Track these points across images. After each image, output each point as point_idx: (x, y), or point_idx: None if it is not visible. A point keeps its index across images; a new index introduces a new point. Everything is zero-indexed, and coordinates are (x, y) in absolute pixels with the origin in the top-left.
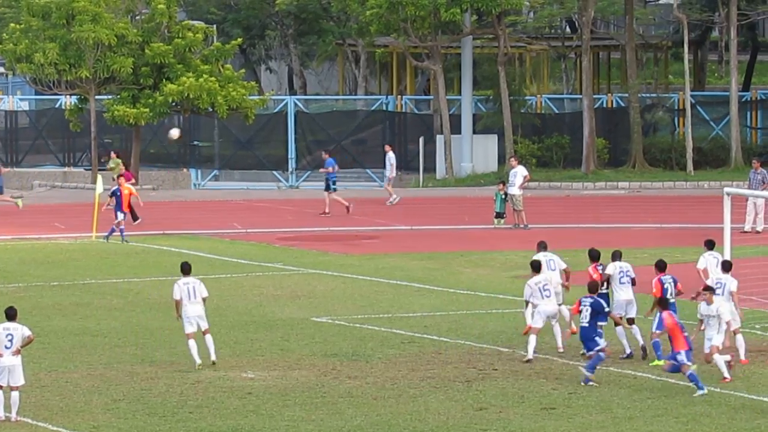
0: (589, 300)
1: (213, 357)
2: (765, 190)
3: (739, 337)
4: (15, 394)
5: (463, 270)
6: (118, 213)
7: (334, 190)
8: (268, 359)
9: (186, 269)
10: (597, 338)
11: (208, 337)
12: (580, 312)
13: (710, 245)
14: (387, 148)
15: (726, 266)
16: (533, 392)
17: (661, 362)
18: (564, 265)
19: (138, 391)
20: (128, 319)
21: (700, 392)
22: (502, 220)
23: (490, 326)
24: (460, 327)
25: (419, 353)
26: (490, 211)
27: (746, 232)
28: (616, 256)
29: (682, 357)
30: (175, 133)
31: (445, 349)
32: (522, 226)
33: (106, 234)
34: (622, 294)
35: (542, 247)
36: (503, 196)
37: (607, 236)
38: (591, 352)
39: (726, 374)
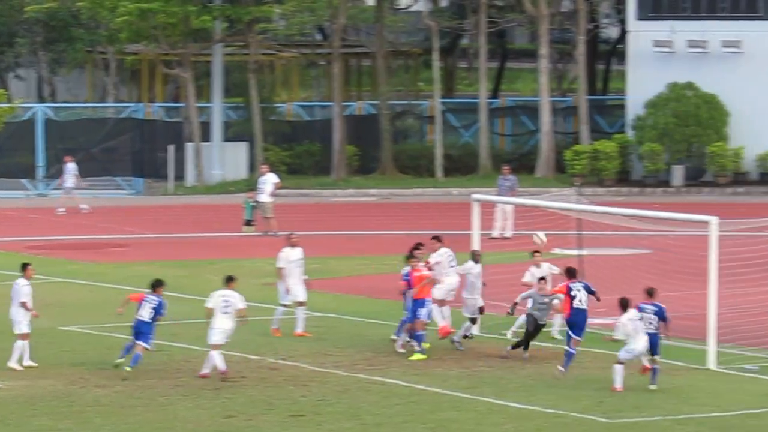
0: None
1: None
2: (514, 196)
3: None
4: None
5: (212, 278)
6: None
7: None
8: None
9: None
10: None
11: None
12: None
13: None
14: (67, 158)
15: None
16: (282, 399)
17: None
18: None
19: None
20: None
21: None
22: (252, 228)
23: (240, 334)
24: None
25: (168, 361)
26: (239, 218)
27: (495, 238)
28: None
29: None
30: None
31: (194, 357)
32: (271, 233)
33: None
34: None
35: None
36: (253, 204)
37: (357, 243)
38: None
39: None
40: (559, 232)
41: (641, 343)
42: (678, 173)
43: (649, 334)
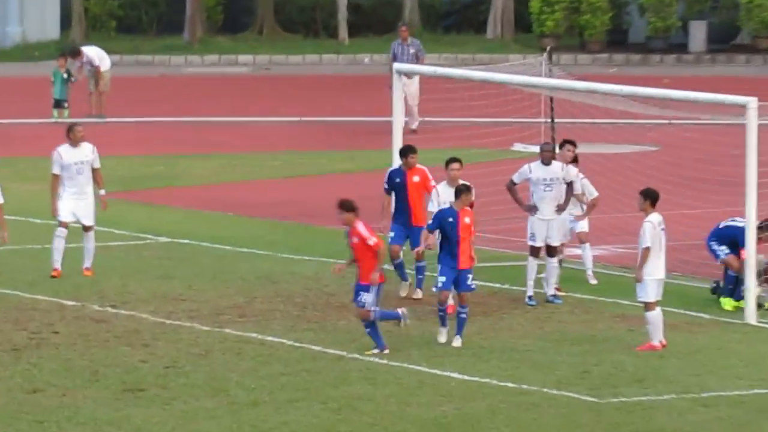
0: None
1: None
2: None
3: None
4: None
5: (8, 185)
6: None
7: None
8: None
9: None
10: None
11: None
12: None
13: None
14: None
15: None
16: (112, 366)
17: None
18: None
19: None
20: None
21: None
22: (66, 111)
23: (46, 267)
24: (3, 268)
25: None
26: (47, 97)
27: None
28: None
29: None
30: None
31: None
32: (98, 117)
33: None
34: None
35: None
36: (66, 76)
37: (221, 134)
38: None
39: None
40: (524, 120)
41: (662, 267)
42: (698, 33)
43: None
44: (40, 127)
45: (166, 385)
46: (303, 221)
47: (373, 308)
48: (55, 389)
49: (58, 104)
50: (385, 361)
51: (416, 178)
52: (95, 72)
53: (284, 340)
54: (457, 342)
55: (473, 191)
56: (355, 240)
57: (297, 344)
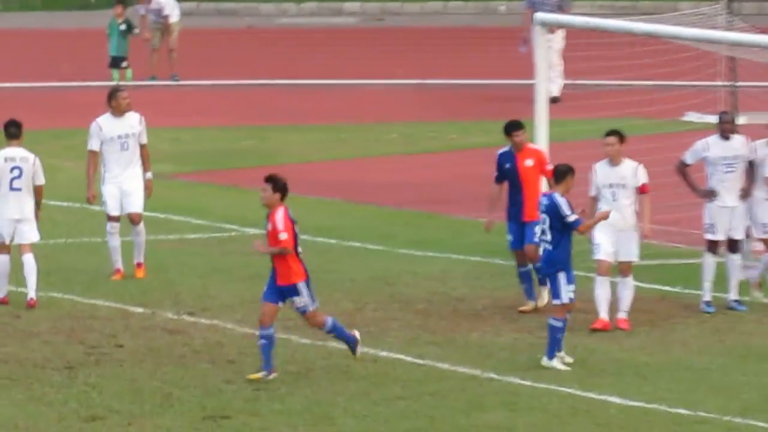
0: None
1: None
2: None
3: None
4: None
5: (61, 163)
6: None
7: None
8: None
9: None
10: None
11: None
12: None
13: None
14: None
15: None
16: (189, 387)
17: None
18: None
19: None
20: None
21: None
22: (129, 71)
23: (107, 265)
24: (54, 266)
25: None
26: (103, 53)
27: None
28: None
29: None
30: None
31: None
32: (171, 78)
33: None
34: None
35: None
36: (124, 27)
37: (324, 101)
38: None
39: None
40: (698, 84)
41: None
42: None
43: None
44: (99, 92)
45: (257, 412)
46: (426, 208)
47: (314, 306)
48: (118, 416)
49: (115, 63)
50: (528, 383)
51: (529, 162)
52: (164, 24)
53: (403, 356)
54: (567, 358)
55: None
56: (270, 227)
57: (419, 361)
